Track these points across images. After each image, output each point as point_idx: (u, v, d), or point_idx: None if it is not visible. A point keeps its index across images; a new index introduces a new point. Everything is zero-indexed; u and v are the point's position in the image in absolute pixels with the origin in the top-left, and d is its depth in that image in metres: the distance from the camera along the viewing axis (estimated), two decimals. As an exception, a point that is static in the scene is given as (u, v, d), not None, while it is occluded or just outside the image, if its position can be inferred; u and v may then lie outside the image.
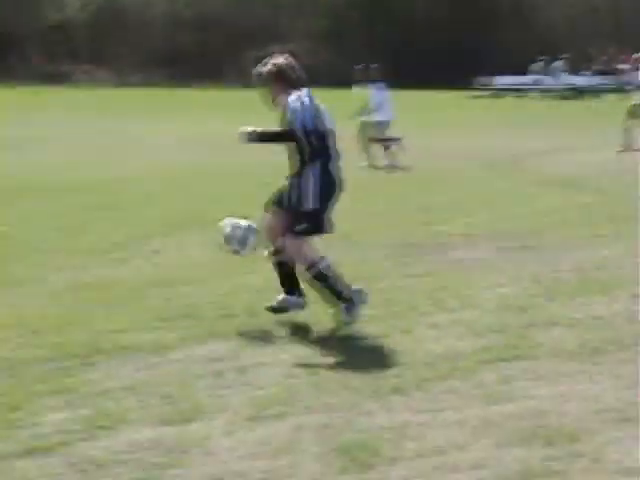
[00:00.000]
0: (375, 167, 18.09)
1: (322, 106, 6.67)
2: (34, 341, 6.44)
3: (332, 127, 6.67)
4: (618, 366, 5.79)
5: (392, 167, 18.07)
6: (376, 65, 19.46)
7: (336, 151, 6.66)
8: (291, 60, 6.79)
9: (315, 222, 6.52)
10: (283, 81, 6.62)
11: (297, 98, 6.48)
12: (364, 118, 18.39)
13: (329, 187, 6.53)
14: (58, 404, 5.22)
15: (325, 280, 6.53)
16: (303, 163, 6.49)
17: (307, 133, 6.38)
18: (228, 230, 6.76)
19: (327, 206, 6.56)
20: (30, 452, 4.52)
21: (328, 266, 6.57)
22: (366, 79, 19.32)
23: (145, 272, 8.77)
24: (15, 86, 49.60)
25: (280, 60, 6.76)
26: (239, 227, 6.74)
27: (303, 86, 6.67)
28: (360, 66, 21.22)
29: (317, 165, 6.47)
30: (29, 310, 7.24)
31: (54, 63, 54.44)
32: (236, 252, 6.81)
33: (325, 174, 6.50)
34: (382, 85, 18.74)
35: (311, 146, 6.41)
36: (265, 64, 6.71)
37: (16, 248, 9.94)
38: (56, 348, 6.24)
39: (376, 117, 18.42)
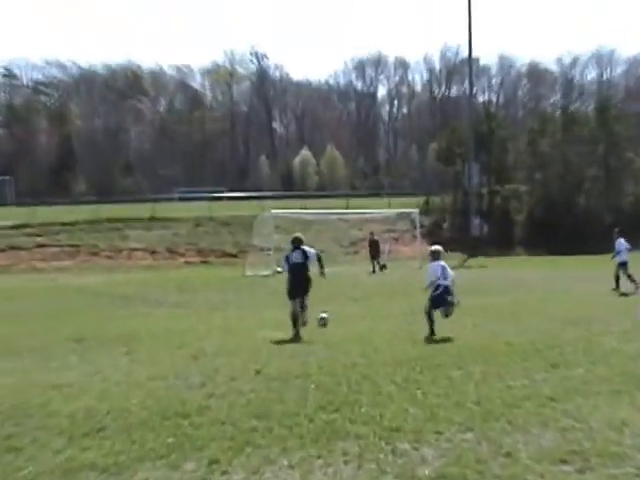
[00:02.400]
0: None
1: (293, 254, 18.18)
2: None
3: (296, 261, 18.03)
4: None
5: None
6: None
7: (297, 270, 18.07)
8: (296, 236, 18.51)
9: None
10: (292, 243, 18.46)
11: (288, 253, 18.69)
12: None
13: (289, 282, 18.14)
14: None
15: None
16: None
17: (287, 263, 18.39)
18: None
19: (291, 288, 18.21)
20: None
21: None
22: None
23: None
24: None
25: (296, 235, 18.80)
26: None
27: (296, 246, 18.19)
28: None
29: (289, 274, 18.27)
30: None
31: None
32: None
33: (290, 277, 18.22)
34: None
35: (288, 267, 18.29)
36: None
37: None
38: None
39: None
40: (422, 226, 60.50)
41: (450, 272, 17.34)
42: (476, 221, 63.93)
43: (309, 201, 74.91)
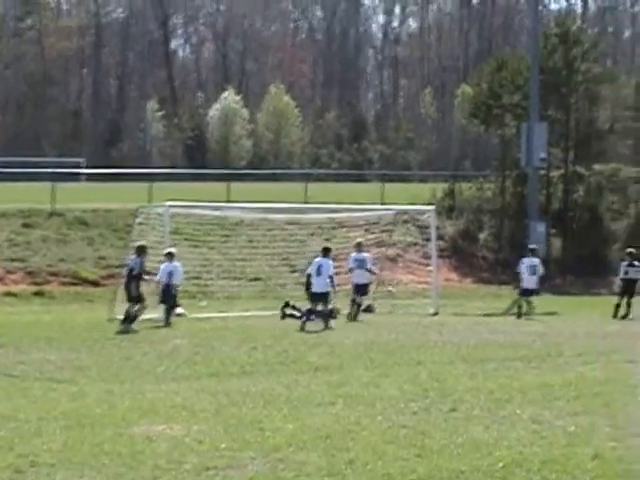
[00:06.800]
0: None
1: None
2: None
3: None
4: None
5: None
6: None
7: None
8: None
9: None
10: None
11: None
12: None
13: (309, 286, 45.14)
14: None
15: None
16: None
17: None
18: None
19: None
20: None
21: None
22: None
23: None
24: None
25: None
26: None
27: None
28: None
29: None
30: None
31: None
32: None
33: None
34: None
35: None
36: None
37: None
38: None
39: None
40: (441, 237, 60.97)
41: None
42: (540, 229, 64.28)
43: (236, 186, 74.79)
